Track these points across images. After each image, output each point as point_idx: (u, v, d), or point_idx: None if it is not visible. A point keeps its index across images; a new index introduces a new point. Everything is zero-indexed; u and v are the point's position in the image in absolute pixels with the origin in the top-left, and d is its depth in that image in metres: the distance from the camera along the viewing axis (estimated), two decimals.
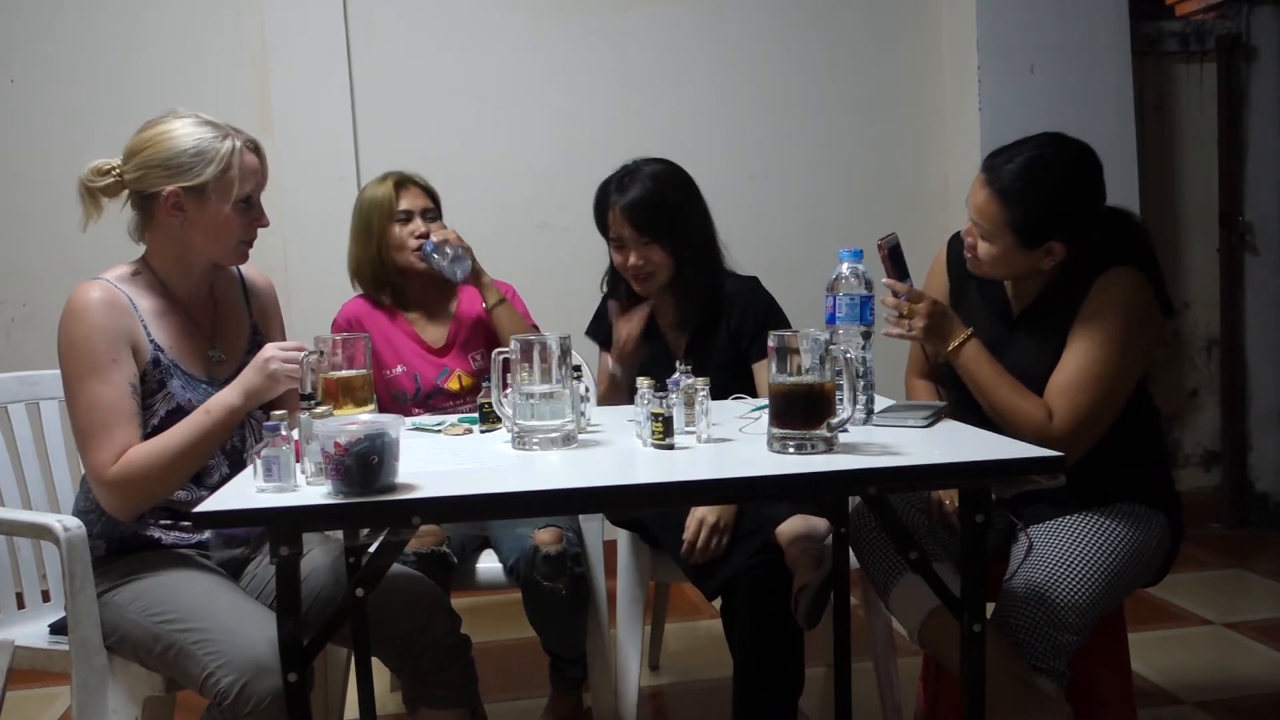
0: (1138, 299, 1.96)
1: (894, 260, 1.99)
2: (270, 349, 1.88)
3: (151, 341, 1.92)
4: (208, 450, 1.90)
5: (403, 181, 2.59)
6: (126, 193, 1.95)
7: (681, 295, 2.40)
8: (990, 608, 1.86)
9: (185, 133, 1.90)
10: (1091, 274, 1.97)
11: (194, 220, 1.92)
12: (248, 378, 1.87)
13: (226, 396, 1.87)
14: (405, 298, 2.62)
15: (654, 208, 2.32)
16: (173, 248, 1.96)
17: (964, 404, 2.04)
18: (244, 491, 1.58)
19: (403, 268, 2.57)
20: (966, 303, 2.13)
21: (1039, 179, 1.94)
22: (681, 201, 2.37)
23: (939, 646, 1.95)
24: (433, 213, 2.59)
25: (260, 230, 2.02)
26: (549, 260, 3.58)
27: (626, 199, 2.32)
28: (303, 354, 1.84)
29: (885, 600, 2.04)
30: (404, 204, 2.56)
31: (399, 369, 2.57)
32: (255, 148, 1.98)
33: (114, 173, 1.93)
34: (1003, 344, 2.05)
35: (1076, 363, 1.93)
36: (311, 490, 1.56)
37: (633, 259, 2.34)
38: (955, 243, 2.17)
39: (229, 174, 1.91)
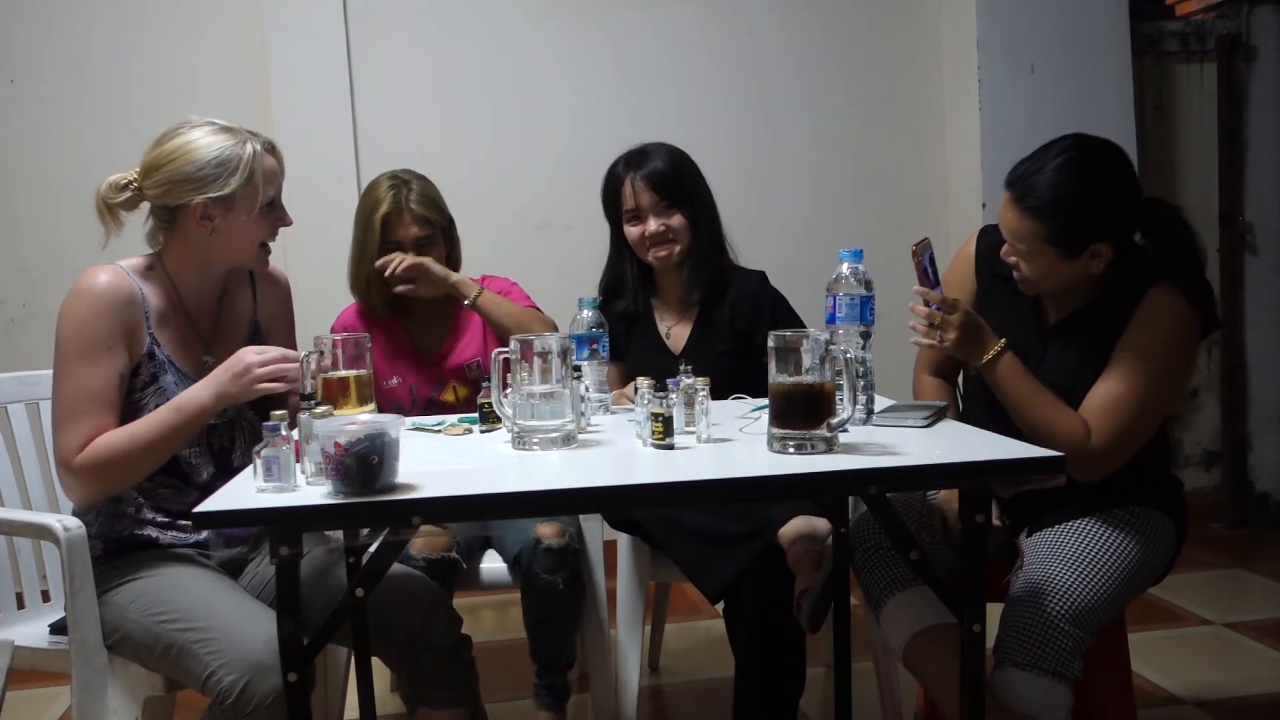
0: (1185, 325, 1.91)
1: (928, 266, 1.95)
2: (249, 356, 1.86)
3: (150, 334, 1.93)
4: (175, 446, 1.90)
5: (395, 210, 2.45)
6: (145, 204, 1.95)
7: (695, 266, 2.43)
8: (989, 610, 1.85)
9: (206, 143, 1.91)
10: (1139, 286, 1.92)
11: (221, 229, 1.94)
12: (222, 381, 1.86)
13: (199, 396, 1.86)
14: (405, 301, 2.57)
15: (673, 175, 2.40)
16: (194, 255, 1.97)
17: (991, 411, 2.00)
18: (244, 491, 1.58)
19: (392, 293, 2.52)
20: (995, 305, 2.06)
21: (1069, 186, 1.86)
22: (696, 173, 2.46)
23: (921, 669, 1.94)
24: (427, 238, 2.47)
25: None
26: (550, 260, 3.57)
27: (645, 169, 2.40)
28: (281, 358, 1.84)
29: (876, 616, 2.03)
30: (395, 234, 2.46)
31: (394, 381, 2.54)
32: (272, 148, 2.00)
33: (132, 186, 1.94)
34: (1035, 351, 2.00)
35: (1121, 381, 1.89)
36: (311, 490, 1.56)
37: (653, 225, 2.39)
38: (984, 237, 2.12)
39: (253, 181, 1.93)
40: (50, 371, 1.93)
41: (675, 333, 2.49)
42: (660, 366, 2.21)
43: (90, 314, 1.87)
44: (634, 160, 2.43)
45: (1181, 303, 1.91)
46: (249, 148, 1.93)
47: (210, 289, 2.04)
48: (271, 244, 2.04)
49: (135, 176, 1.94)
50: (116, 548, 1.95)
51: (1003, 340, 1.92)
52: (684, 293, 2.47)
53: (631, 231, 2.43)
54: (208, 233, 1.93)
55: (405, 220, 2.45)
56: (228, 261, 2.01)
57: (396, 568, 2.02)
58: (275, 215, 2.01)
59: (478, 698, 2.07)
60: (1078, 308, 2.00)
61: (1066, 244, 1.89)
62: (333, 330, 2.56)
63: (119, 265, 1.95)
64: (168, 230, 1.97)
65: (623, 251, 2.50)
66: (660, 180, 2.39)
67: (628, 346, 2.51)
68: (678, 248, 2.42)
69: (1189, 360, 1.95)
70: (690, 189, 2.43)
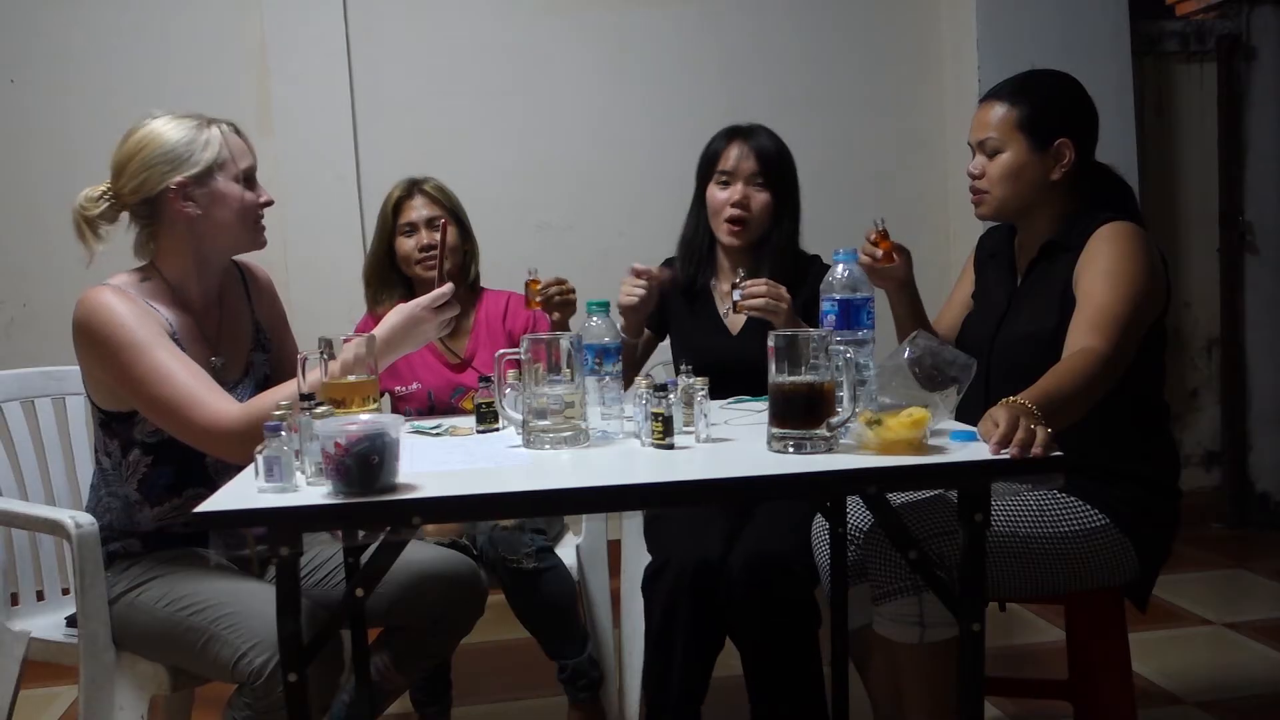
0: (1140, 238, 1.98)
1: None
2: (417, 309, 1.92)
3: (176, 340, 1.90)
4: None
5: (409, 191, 2.55)
6: (125, 214, 1.93)
7: (765, 255, 2.42)
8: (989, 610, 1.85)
9: (170, 128, 1.91)
10: (1086, 229, 2.01)
11: (206, 207, 1.91)
12: (392, 335, 1.90)
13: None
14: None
15: (779, 158, 2.45)
16: (188, 250, 1.95)
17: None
18: (245, 491, 1.58)
19: (414, 279, 2.53)
20: (984, 284, 2.22)
21: (1038, 78, 2.10)
22: (795, 171, 2.49)
23: (861, 659, 2.05)
24: (438, 217, 2.50)
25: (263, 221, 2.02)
26: (550, 261, 3.55)
27: (758, 140, 2.43)
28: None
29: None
30: (408, 216, 2.52)
31: (414, 386, 2.54)
32: (237, 130, 1.99)
33: (107, 194, 1.91)
34: (1003, 316, 2.10)
35: (1097, 293, 1.91)
36: (311, 490, 1.56)
37: (739, 193, 2.40)
38: (982, 239, 2.29)
39: (224, 152, 1.92)
40: (49, 369, 1.89)
41: (734, 316, 2.43)
42: (715, 347, 2.28)
43: (123, 317, 1.83)
44: (746, 131, 2.45)
45: (1130, 228, 2.00)
46: (213, 127, 1.93)
47: (210, 288, 2.01)
48: (263, 224, 2.01)
49: (109, 184, 1.92)
50: (139, 548, 1.96)
51: (1032, 404, 1.69)
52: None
53: (717, 194, 2.42)
54: (192, 215, 1.90)
55: (416, 203, 2.53)
56: (221, 245, 1.97)
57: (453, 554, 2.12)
58: (257, 192, 1.99)
59: (445, 700, 2.06)
60: (1034, 256, 2.08)
61: (1036, 130, 2.01)
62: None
63: (112, 284, 1.90)
64: (154, 229, 1.94)
65: (699, 222, 2.50)
66: (767, 156, 2.42)
67: (687, 318, 2.50)
68: (749, 229, 2.41)
69: (1155, 265, 1.97)
70: (788, 175, 2.46)
